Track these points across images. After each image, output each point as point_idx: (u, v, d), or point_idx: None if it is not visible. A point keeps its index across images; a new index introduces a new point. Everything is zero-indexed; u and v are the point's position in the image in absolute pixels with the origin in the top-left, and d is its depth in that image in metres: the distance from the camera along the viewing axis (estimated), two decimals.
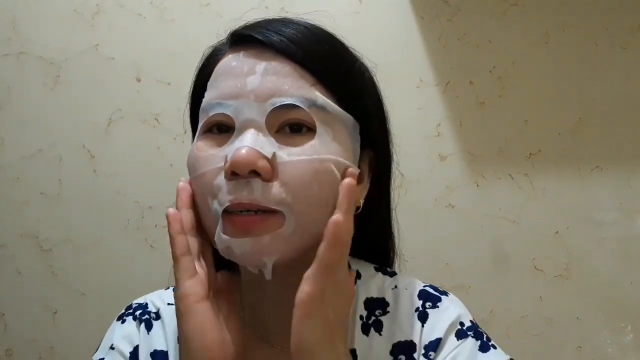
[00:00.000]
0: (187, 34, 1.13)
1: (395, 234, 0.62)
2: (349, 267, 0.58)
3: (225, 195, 0.45)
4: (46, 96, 1.13)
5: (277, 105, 0.46)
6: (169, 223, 0.48)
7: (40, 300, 1.12)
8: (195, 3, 1.14)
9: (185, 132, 1.11)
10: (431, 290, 0.58)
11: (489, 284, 1.10)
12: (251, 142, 0.44)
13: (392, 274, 0.60)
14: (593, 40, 1.12)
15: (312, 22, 0.52)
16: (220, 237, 0.46)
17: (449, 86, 1.13)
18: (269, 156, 0.45)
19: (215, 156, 0.47)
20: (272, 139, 0.46)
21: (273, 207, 0.45)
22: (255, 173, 0.44)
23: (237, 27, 0.53)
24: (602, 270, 1.10)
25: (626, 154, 1.11)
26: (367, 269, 0.59)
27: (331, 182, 0.47)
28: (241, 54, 0.49)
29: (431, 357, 0.52)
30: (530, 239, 1.11)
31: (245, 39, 0.50)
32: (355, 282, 0.57)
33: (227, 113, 0.47)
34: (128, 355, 0.57)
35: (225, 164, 0.45)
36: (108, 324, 1.08)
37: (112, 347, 0.58)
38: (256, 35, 0.49)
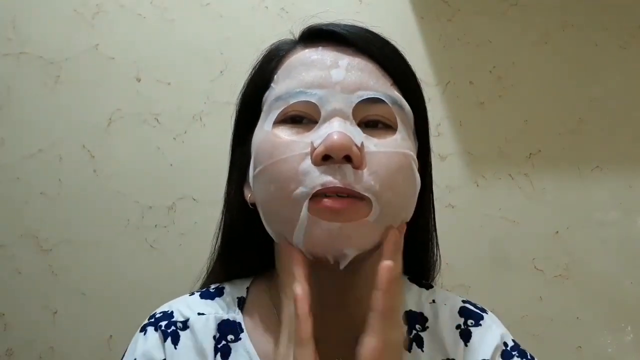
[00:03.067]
0: (187, 34, 1.13)
1: (437, 244, 0.60)
2: None
3: (315, 179, 0.44)
4: (46, 96, 1.13)
5: (365, 97, 0.47)
6: (297, 302, 0.44)
7: (40, 300, 1.12)
8: (195, 3, 1.14)
9: (185, 132, 1.12)
10: (471, 307, 0.58)
11: (489, 284, 1.10)
12: (342, 129, 0.44)
13: (428, 287, 0.59)
14: (593, 40, 1.12)
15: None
16: (307, 219, 0.44)
17: (449, 86, 1.13)
18: (359, 144, 0.45)
19: (298, 142, 0.46)
20: (359, 129, 0.46)
21: (363, 193, 0.44)
22: (347, 159, 0.44)
23: (308, 24, 0.53)
24: (602, 270, 1.10)
25: (626, 154, 1.11)
26: (403, 280, 0.58)
27: (411, 177, 0.48)
28: (319, 48, 0.49)
29: None
30: (530, 239, 1.11)
31: (323, 35, 0.50)
32: None
33: (312, 101, 0.46)
34: None
35: (312, 150, 0.45)
36: (108, 324, 1.08)
37: None
38: (338, 31, 0.50)
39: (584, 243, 1.10)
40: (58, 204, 1.13)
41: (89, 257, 1.12)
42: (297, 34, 0.54)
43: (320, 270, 0.46)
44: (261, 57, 0.54)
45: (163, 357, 0.52)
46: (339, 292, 0.49)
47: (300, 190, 0.44)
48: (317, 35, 0.51)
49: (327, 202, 0.44)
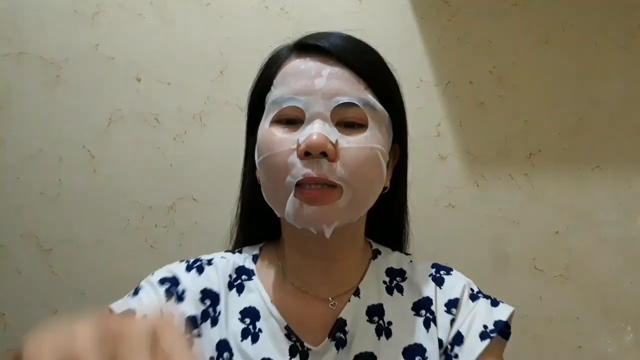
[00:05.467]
0: (187, 34, 1.13)
1: (407, 220, 0.73)
2: (370, 245, 0.71)
3: (299, 170, 0.56)
4: (46, 96, 1.13)
5: (340, 102, 0.58)
6: None
7: (40, 300, 1.12)
8: (195, 3, 1.14)
9: (185, 132, 1.12)
10: (442, 265, 0.71)
11: (489, 284, 1.09)
12: (321, 130, 0.57)
13: (407, 255, 0.72)
14: (593, 40, 1.12)
15: (357, 37, 0.64)
16: (293, 202, 0.57)
17: (449, 86, 1.13)
18: (334, 142, 0.57)
19: (288, 140, 0.58)
20: (335, 129, 0.58)
21: (335, 182, 0.57)
22: (323, 154, 0.56)
23: (301, 37, 0.64)
24: (602, 270, 1.10)
25: (626, 154, 1.11)
26: (385, 249, 0.72)
27: (378, 166, 0.60)
28: (307, 59, 0.61)
29: (453, 312, 0.64)
30: (530, 239, 1.11)
31: (311, 47, 0.62)
32: (376, 256, 0.70)
33: (299, 106, 0.58)
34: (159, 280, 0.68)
35: (297, 146, 0.57)
36: None
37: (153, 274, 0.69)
38: (322, 45, 0.61)
39: (584, 243, 1.10)
40: (58, 204, 1.13)
41: (89, 257, 1.12)
42: (294, 38, 0.64)
43: (312, 233, 0.59)
44: (265, 61, 0.65)
45: (177, 277, 0.66)
46: (329, 248, 0.62)
47: (288, 179, 0.57)
48: (307, 47, 0.62)
49: (306, 190, 0.57)
